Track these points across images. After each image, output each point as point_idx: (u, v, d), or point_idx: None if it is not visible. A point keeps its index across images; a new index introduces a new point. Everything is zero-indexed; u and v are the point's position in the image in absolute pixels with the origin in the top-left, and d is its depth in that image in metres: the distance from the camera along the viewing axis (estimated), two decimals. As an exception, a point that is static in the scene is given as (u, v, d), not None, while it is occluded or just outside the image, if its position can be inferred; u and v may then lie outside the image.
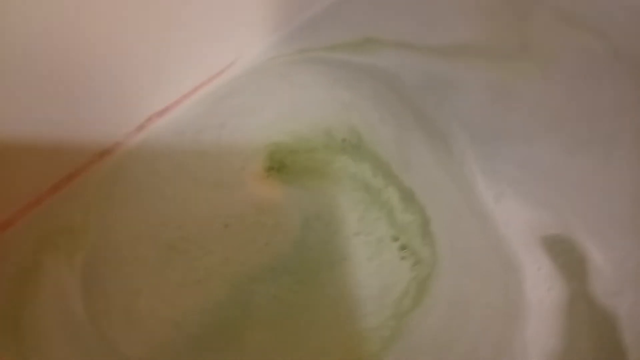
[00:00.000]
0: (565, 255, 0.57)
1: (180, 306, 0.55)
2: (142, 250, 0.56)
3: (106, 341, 0.52)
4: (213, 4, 0.57)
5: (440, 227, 0.56)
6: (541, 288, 0.56)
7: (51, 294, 0.52)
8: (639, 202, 0.59)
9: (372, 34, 0.68)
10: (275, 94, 0.65)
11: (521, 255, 0.58)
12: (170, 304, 0.55)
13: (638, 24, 0.56)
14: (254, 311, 0.55)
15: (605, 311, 0.53)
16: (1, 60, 0.44)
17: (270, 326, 0.54)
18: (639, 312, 0.53)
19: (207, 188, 0.60)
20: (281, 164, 0.62)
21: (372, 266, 0.54)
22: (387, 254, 0.55)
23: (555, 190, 0.61)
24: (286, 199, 0.60)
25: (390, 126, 0.64)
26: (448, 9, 0.65)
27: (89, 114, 0.54)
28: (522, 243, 0.58)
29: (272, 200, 0.60)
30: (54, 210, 0.55)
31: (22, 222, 0.54)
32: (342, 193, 0.59)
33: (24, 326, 0.50)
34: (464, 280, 0.55)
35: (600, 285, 0.55)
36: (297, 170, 0.61)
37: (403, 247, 0.55)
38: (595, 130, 0.63)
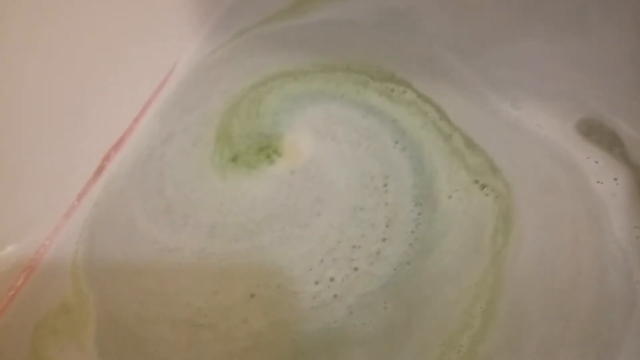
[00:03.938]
0: (598, 134, 0.52)
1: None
2: (160, 328, 0.46)
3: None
4: (133, 21, 0.52)
5: (501, 159, 0.53)
6: (609, 180, 0.50)
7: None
8: (634, 63, 0.56)
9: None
10: (222, 82, 0.58)
11: (572, 151, 0.52)
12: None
13: None
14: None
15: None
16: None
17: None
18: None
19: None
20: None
21: (468, 218, 0.50)
22: (474, 198, 0.51)
23: (557, 77, 0.56)
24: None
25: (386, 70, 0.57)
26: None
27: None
28: (564, 137, 0.52)
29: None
30: (38, 291, 0.47)
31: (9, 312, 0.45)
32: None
33: None
34: (539, 198, 0.50)
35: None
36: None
37: (483, 187, 0.51)
38: (564, 12, 0.59)
